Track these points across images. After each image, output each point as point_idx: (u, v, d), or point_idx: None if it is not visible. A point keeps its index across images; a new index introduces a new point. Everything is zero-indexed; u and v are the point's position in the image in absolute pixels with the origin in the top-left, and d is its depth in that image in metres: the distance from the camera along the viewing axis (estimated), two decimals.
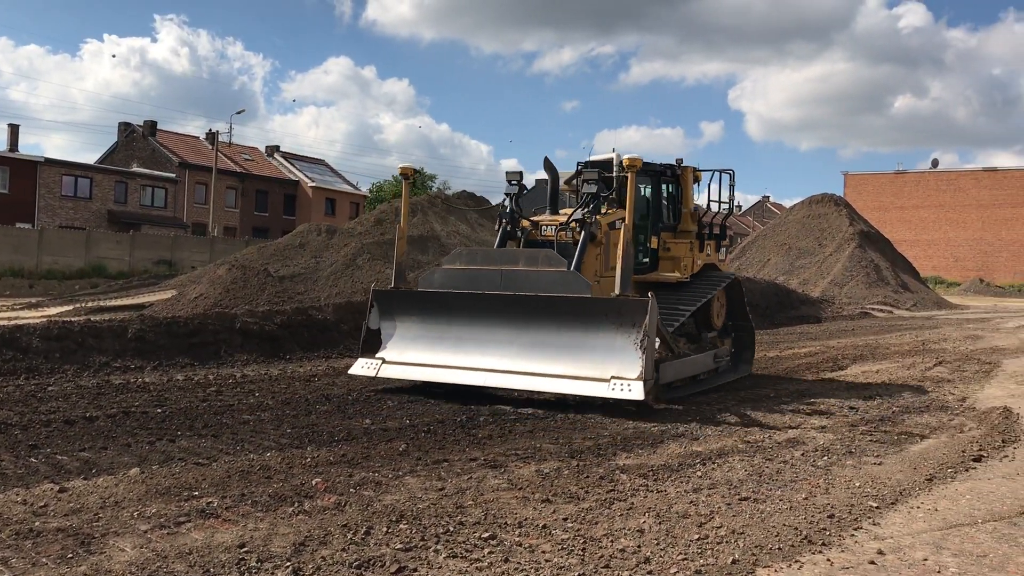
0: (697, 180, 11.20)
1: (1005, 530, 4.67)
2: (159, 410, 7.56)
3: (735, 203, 12.34)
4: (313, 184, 64.32)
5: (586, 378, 8.45)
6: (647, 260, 10.86)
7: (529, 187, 11.03)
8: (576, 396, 8.65)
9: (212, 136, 57.50)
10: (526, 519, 4.60)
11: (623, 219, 9.22)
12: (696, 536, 4.39)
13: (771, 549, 4.22)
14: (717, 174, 11.54)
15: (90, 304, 19.89)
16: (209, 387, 8.88)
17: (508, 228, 10.49)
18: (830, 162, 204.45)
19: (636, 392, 7.98)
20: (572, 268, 9.23)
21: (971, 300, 48.08)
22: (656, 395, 8.58)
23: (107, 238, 35.65)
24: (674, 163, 11.33)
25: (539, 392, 8.89)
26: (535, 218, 10.53)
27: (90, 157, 65.04)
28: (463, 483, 5.30)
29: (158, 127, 57.36)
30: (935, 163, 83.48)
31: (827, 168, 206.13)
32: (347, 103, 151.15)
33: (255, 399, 8.28)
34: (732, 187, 11.71)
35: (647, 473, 5.66)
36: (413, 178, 11.09)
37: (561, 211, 10.76)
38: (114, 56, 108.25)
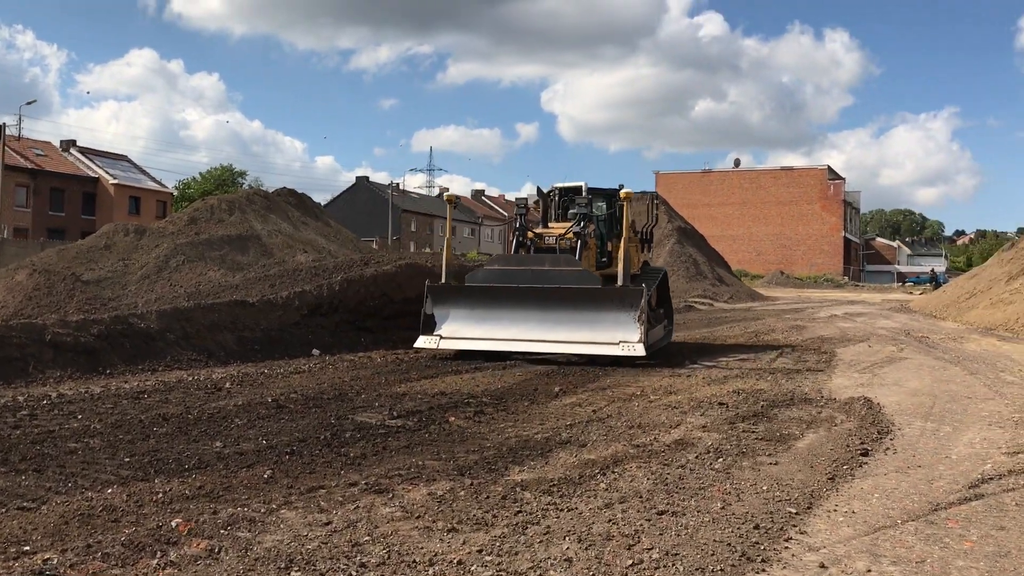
0: (629, 199, 13.38)
1: (927, 530, 4.53)
2: None
3: (655, 217, 16.27)
4: (115, 181, 60.02)
5: (602, 343, 12.01)
6: (605, 259, 14.56)
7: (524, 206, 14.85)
8: (596, 355, 12.02)
9: None
10: (436, 554, 4.02)
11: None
12: (630, 561, 3.96)
13: (713, 571, 3.85)
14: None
15: None
16: (20, 410, 7.64)
17: (520, 239, 14.27)
18: (636, 162, 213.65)
19: (639, 350, 11.67)
20: None
21: (776, 291, 51.20)
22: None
23: None
24: (617, 187, 14.56)
25: (567, 354, 12.35)
26: (538, 231, 14.62)
27: None
28: (351, 514, 4.63)
29: None
30: (737, 163, 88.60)
31: (635, 167, 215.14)
32: (151, 97, 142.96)
33: (79, 423, 7.16)
34: (656, 205, 16.80)
35: (550, 489, 5.18)
36: (455, 204, 15.12)
37: (550, 224, 15.14)
38: None
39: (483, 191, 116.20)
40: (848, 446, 6.50)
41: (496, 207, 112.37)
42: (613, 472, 5.65)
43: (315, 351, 12.96)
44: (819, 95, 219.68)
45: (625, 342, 11.81)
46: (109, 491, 5.03)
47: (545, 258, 13.42)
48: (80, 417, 7.43)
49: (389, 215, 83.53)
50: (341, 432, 6.94)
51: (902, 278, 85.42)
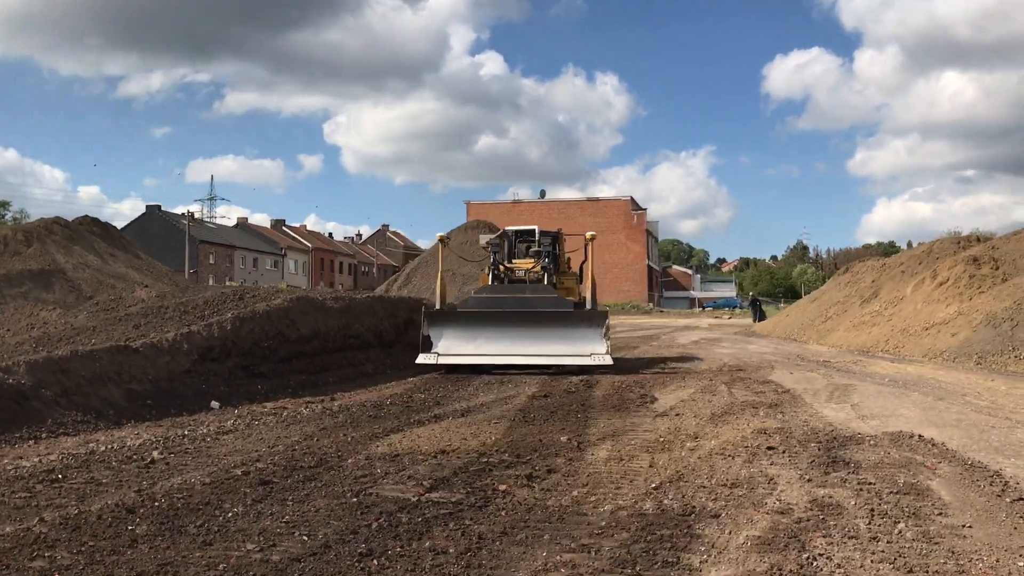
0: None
1: None
2: None
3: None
4: None
5: (575, 355, 14.52)
6: (556, 289, 16.82)
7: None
8: (570, 365, 14.31)
9: None
10: None
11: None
12: None
13: None
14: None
15: None
16: None
17: (495, 271, 17.13)
18: (423, 195, 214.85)
19: (608, 360, 14.42)
20: None
21: None
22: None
23: None
24: (557, 230, 19.54)
25: (546, 366, 14.46)
26: (510, 265, 17.55)
27: None
28: None
29: None
30: (542, 194, 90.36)
31: (421, 200, 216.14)
32: None
33: (6, 528, 5.08)
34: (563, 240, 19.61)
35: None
36: (446, 242, 18.29)
37: (515, 261, 17.85)
38: None
39: (283, 221, 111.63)
40: (998, 494, 5.65)
41: (298, 237, 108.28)
42: (805, 550, 4.45)
43: (214, 403, 10.85)
44: (592, 134, 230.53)
45: (595, 354, 14.49)
46: None
47: (525, 287, 16.60)
48: None
49: (186, 246, 77.97)
50: (387, 516, 5.30)
51: (699, 303, 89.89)
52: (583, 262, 17.68)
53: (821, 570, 4.19)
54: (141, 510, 5.48)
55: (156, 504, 5.62)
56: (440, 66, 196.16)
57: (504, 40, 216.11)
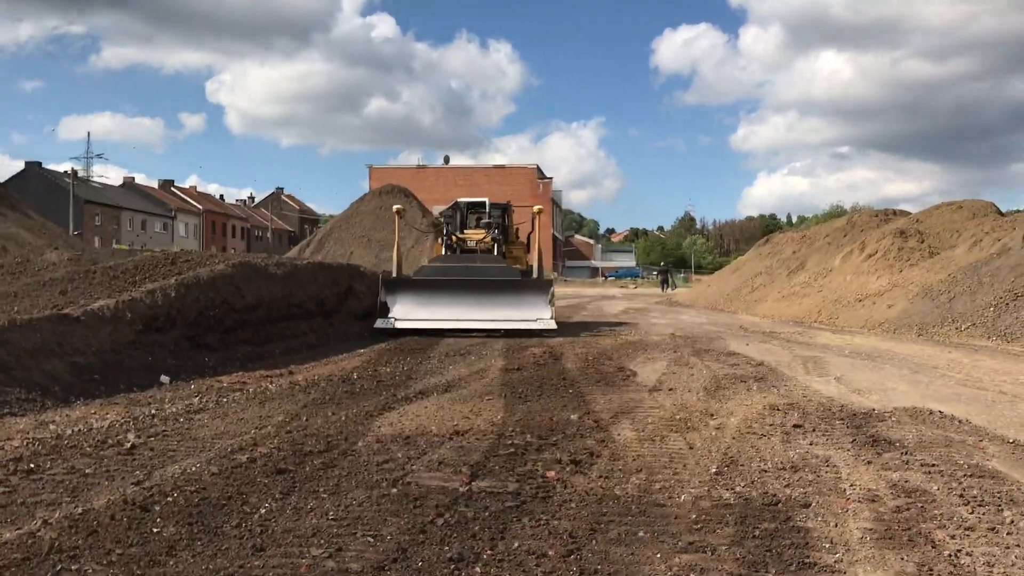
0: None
1: None
2: None
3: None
4: None
5: (522, 320, 15.61)
6: (505, 258, 17.97)
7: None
8: (517, 329, 15.37)
9: None
10: None
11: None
12: None
13: None
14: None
15: None
16: None
17: (448, 242, 18.13)
18: (310, 158, 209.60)
19: (552, 324, 15.68)
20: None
21: None
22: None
23: None
24: (507, 202, 20.62)
25: (494, 329, 15.50)
26: (461, 235, 18.32)
27: None
28: None
29: None
30: (446, 159, 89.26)
31: (309, 162, 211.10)
32: None
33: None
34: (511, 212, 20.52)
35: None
36: (403, 215, 19.58)
37: (466, 231, 18.74)
38: None
39: (172, 181, 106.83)
40: None
41: (189, 199, 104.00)
42: (936, 545, 4.11)
43: (164, 378, 9.90)
44: (485, 101, 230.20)
45: (540, 319, 15.73)
46: None
47: (476, 257, 17.59)
48: None
49: (71, 207, 73.74)
50: (446, 510, 4.72)
51: (601, 273, 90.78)
52: (530, 232, 18.75)
53: (976, 571, 3.84)
54: (156, 507, 4.73)
55: (169, 500, 4.87)
56: (330, 26, 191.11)
57: (396, 1, 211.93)
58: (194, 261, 13.79)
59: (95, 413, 7.70)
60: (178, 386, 9.56)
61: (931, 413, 7.64)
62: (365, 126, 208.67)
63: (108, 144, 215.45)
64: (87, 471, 5.61)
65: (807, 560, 3.97)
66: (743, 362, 11.82)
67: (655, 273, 74.24)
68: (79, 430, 6.84)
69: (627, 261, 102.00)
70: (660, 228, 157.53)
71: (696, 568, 3.86)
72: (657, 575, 3.81)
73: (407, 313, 15.60)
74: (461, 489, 5.17)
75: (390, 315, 15.60)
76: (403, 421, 7.41)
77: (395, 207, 18.75)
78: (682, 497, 5.01)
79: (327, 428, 7.03)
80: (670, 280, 49.07)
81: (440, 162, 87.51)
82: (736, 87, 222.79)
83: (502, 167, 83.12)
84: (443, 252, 18.13)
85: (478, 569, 3.85)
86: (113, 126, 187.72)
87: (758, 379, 10.11)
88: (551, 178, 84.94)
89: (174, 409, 7.89)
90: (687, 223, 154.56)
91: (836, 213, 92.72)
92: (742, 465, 5.81)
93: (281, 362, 11.65)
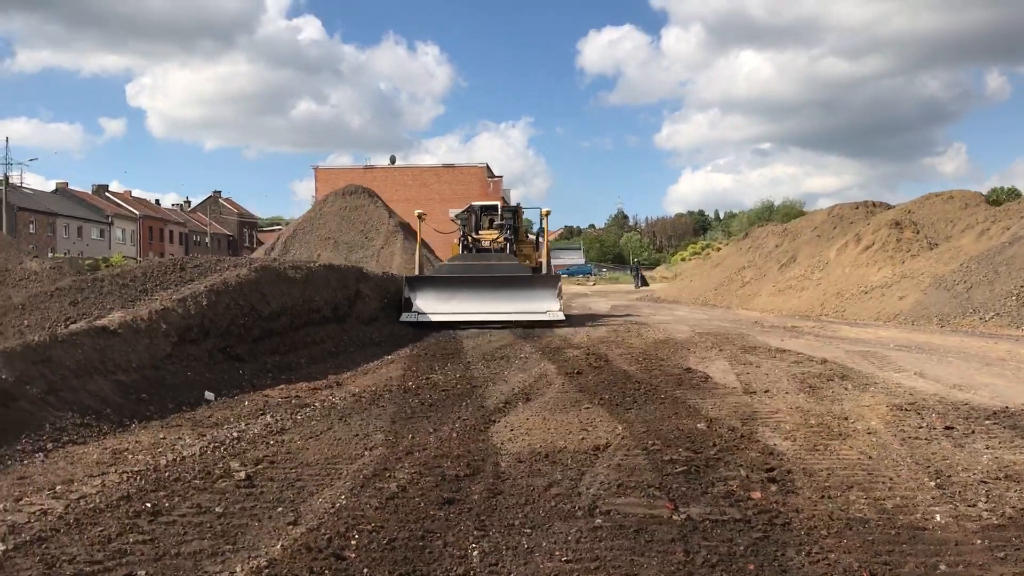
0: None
1: None
2: None
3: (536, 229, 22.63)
4: None
5: (534, 312, 17.09)
6: (516, 256, 19.58)
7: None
8: (529, 321, 16.80)
9: None
10: None
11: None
12: None
13: None
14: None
15: None
16: None
17: (465, 242, 19.88)
18: (235, 160, 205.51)
19: (561, 316, 17.37)
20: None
21: None
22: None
23: None
24: (517, 204, 22.48)
25: (508, 322, 16.87)
26: (476, 236, 20.30)
27: None
28: None
29: None
30: (392, 159, 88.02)
31: (234, 166, 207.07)
32: None
33: None
34: (541, 220, 21.94)
35: None
36: (424, 219, 21.42)
37: (480, 232, 20.77)
38: None
39: (107, 186, 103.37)
40: None
41: (125, 204, 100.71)
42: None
43: (208, 394, 9.03)
44: (414, 103, 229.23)
45: (550, 311, 17.22)
46: None
47: (490, 255, 19.30)
48: None
49: (2, 214, 70.70)
50: (680, 543, 4.09)
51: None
52: (538, 233, 21.27)
53: None
54: (348, 554, 4.00)
55: (353, 543, 4.15)
56: (254, 28, 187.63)
57: (322, 4, 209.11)
58: (204, 267, 12.86)
59: (164, 438, 6.86)
60: (226, 403, 8.71)
61: None
62: (292, 128, 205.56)
63: (25, 150, 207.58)
64: (218, 509, 4.83)
65: None
66: (803, 359, 11.37)
67: (629, 270, 74.63)
68: (171, 460, 6.01)
69: (575, 259, 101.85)
70: (592, 226, 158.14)
71: None
72: None
73: (430, 307, 17.12)
74: (676, 517, 4.54)
75: (414, 309, 17.09)
76: (518, 436, 6.74)
77: (416, 212, 21.04)
78: (936, 517, 4.45)
79: (448, 447, 6.32)
80: (641, 276, 48.93)
81: (387, 162, 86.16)
82: (659, 87, 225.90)
83: (452, 166, 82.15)
84: (460, 252, 19.67)
85: None
86: (29, 132, 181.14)
87: (841, 377, 9.66)
88: (501, 176, 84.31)
89: (255, 431, 7.09)
90: (620, 220, 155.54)
91: (766, 208, 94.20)
92: (951, 476, 5.28)
93: (312, 372, 10.84)
